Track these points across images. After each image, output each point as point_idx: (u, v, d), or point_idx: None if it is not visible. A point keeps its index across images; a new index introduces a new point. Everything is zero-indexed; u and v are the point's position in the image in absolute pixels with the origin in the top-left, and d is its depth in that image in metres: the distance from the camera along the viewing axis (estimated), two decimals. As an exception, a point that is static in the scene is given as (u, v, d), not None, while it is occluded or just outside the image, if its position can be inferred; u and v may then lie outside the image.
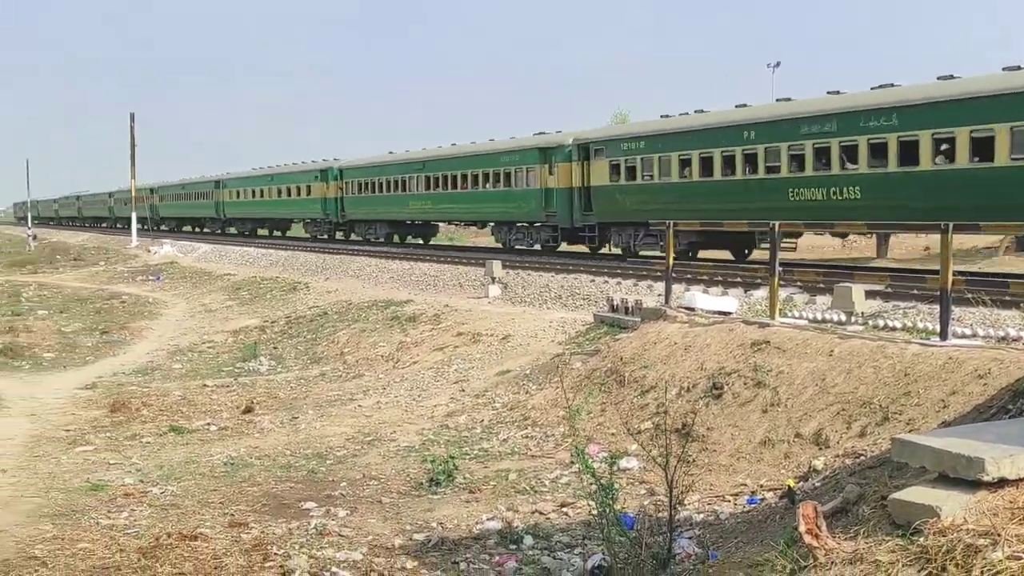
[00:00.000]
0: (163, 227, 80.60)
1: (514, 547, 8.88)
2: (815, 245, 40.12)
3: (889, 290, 16.21)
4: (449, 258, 32.99)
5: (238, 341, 24.43)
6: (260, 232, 63.46)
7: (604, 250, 33.38)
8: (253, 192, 61.12)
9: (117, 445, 13.64)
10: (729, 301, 15.82)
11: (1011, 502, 4.89)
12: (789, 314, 15.17)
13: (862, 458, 8.24)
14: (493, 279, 24.69)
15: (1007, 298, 13.66)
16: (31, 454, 13.11)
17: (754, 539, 7.63)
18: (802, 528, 5.31)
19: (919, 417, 9.24)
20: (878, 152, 22.07)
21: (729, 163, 26.21)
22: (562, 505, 9.96)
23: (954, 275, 11.23)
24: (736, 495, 9.50)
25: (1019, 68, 20.33)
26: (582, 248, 34.46)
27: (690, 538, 8.34)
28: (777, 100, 27.56)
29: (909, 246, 37.49)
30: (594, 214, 31.41)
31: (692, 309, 14.81)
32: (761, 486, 9.54)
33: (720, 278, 20.19)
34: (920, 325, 13.24)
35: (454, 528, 9.51)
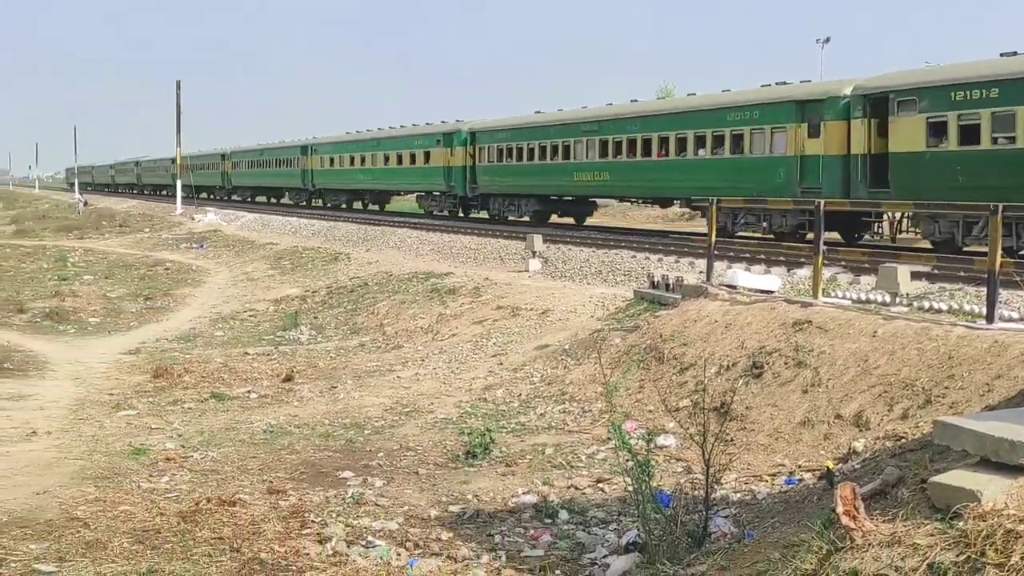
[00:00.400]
0: (235, 197, 74.96)
1: (549, 521, 8.90)
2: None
3: (935, 272, 15.98)
4: (490, 231, 32.97)
5: (279, 310, 24.62)
6: (356, 206, 56.14)
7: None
8: (352, 159, 52.95)
9: (159, 410, 13.82)
10: (771, 279, 15.68)
11: (1055, 489, 4.82)
12: (832, 294, 15.01)
13: (903, 441, 8.16)
14: (534, 253, 24.66)
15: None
16: (75, 417, 13.32)
17: (791, 520, 7.59)
18: (840, 509, 5.27)
19: (962, 401, 9.12)
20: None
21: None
22: (598, 481, 9.96)
23: (1002, 257, 11.04)
24: (774, 475, 9.44)
25: None
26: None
27: (726, 517, 8.31)
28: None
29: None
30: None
31: (734, 287, 14.70)
32: (799, 466, 9.47)
33: (763, 256, 20.01)
34: (966, 308, 13.05)
35: (489, 501, 9.54)
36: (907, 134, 22.39)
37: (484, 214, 42.80)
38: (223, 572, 7.37)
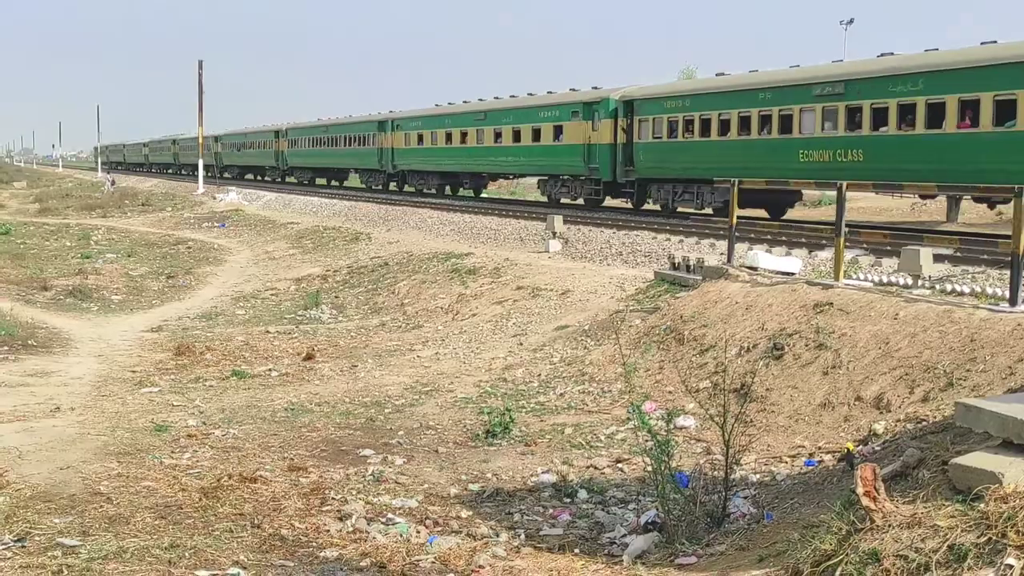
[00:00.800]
0: (290, 179, 67.93)
1: (568, 500, 8.92)
2: (883, 207, 39.43)
3: (958, 254, 15.88)
4: (510, 211, 32.94)
5: (300, 289, 24.71)
6: (442, 195, 46.96)
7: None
8: (449, 136, 44.46)
9: (181, 387, 13.92)
10: (793, 261, 15.62)
11: (1077, 471, 4.80)
12: (854, 276, 14.95)
13: (924, 423, 8.13)
14: (554, 234, 24.65)
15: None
16: (99, 394, 13.42)
17: (810, 501, 7.59)
18: (860, 490, 5.26)
19: (984, 383, 9.07)
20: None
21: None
22: (617, 461, 9.97)
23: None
24: (793, 456, 9.43)
25: None
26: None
27: (745, 498, 8.31)
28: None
29: (980, 210, 36.63)
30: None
31: (755, 269, 14.65)
32: (819, 448, 9.46)
33: (784, 238, 19.93)
34: (989, 291, 12.96)
35: (509, 480, 9.58)
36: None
37: (627, 203, 34.46)
38: (244, 548, 7.43)
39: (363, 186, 56.49)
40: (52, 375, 14.51)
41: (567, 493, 9.09)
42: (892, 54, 25.39)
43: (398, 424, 11.80)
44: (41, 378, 14.25)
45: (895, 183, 20.14)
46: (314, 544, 7.63)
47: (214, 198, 54.86)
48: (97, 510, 8.16)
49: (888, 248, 16.72)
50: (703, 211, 29.54)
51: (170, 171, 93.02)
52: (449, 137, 44.70)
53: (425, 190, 48.64)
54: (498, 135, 40.30)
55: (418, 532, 7.97)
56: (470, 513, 8.54)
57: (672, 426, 9.49)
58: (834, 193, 13.72)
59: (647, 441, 7.88)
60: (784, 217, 29.28)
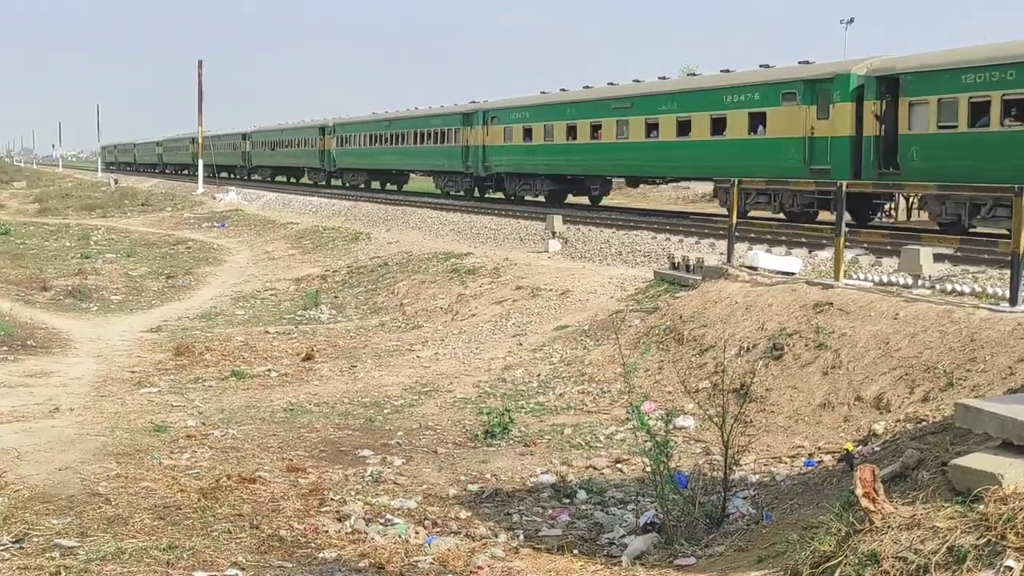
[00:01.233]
0: (336, 181, 60.69)
1: (567, 501, 8.91)
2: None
3: (958, 254, 15.87)
4: (509, 211, 32.95)
5: (300, 289, 24.71)
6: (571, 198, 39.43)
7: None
8: (570, 130, 35.78)
9: (180, 388, 13.91)
10: (793, 261, 15.62)
11: (1077, 473, 4.79)
12: (854, 276, 14.94)
13: (923, 423, 8.12)
14: (554, 233, 24.64)
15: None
16: (98, 394, 13.41)
17: (810, 501, 7.58)
18: (859, 491, 5.25)
19: (984, 384, 9.06)
20: None
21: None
22: (616, 461, 9.96)
23: None
24: (793, 457, 9.42)
25: None
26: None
27: (744, 498, 8.30)
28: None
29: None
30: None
31: (755, 268, 14.64)
32: (819, 448, 9.45)
33: (784, 238, 19.92)
34: (989, 290, 12.95)
35: (508, 480, 9.56)
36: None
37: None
38: (243, 548, 7.42)
39: (438, 191, 48.00)
40: (51, 375, 14.50)
41: (566, 494, 9.08)
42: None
43: (397, 424, 11.79)
44: (40, 378, 14.24)
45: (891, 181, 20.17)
46: (313, 545, 7.62)
47: (214, 198, 54.86)
48: (95, 511, 8.15)
49: (888, 248, 16.71)
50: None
51: (185, 172, 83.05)
52: (572, 131, 35.62)
53: (529, 196, 40.17)
54: (652, 127, 31.71)
55: (417, 533, 7.96)
56: (469, 514, 8.53)
57: (671, 426, 9.48)
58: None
59: (646, 441, 7.88)
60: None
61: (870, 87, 24.01)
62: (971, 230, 21.22)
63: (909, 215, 28.02)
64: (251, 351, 16.72)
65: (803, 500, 7.73)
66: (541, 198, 39.51)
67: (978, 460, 5.14)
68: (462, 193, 45.31)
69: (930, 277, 14.11)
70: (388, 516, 8.37)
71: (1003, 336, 9.61)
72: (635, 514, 8.34)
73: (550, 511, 8.62)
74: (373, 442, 10.95)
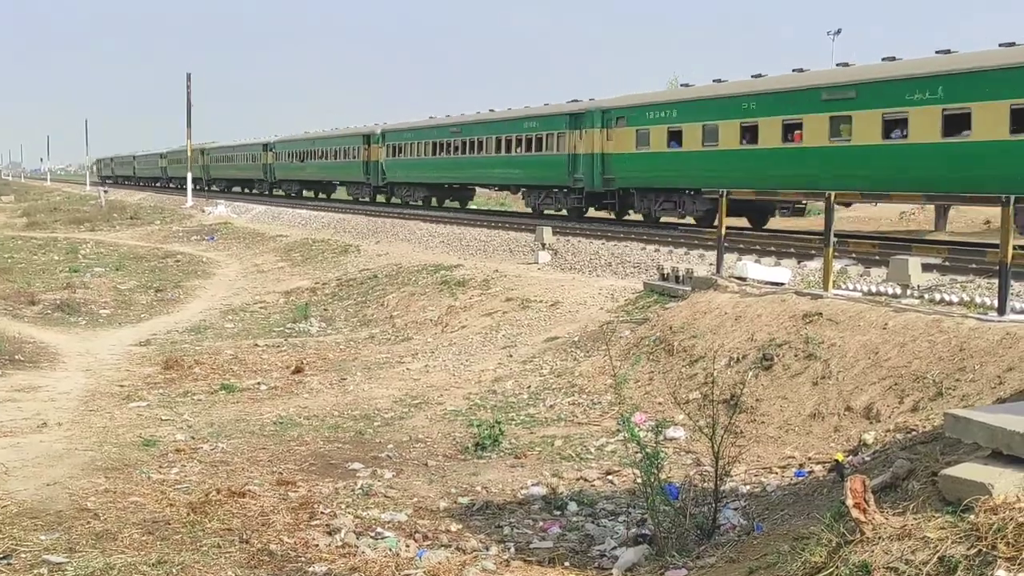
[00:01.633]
0: (380, 197, 53.96)
1: (558, 513, 8.89)
2: (872, 216, 39.55)
3: (947, 263, 15.90)
4: (499, 223, 32.96)
5: (289, 302, 24.66)
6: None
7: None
8: (726, 132, 27.89)
9: (169, 402, 13.85)
10: (782, 271, 15.63)
11: (1067, 482, 4.79)
12: (843, 286, 14.95)
13: (914, 433, 8.13)
14: (543, 245, 24.65)
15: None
16: (86, 408, 13.35)
17: (801, 512, 7.57)
18: (850, 502, 5.25)
19: (974, 393, 9.08)
20: None
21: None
22: (607, 473, 9.95)
23: (1015, 249, 10.97)
24: (783, 467, 9.42)
25: None
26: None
27: (735, 509, 8.29)
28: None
29: (969, 219, 36.80)
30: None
31: (744, 279, 14.66)
32: (809, 459, 9.45)
33: (773, 248, 19.96)
34: (978, 300, 12.98)
35: (499, 492, 9.54)
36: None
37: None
38: (232, 563, 7.38)
39: (529, 210, 41.09)
40: (39, 390, 14.43)
41: (557, 506, 9.06)
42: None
43: (387, 437, 11.76)
44: (28, 393, 14.18)
45: (884, 192, 20.11)
46: (303, 559, 7.59)
47: (203, 211, 54.77)
48: (84, 526, 8.11)
49: (877, 258, 16.75)
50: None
51: (197, 187, 70.24)
52: (750, 132, 27.25)
53: (671, 218, 31.82)
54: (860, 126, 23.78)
55: (407, 546, 7.94)
56: (459, 526, 8.50)
57: (662, 437, 9.42)
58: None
59: (637, 453, 7.86)
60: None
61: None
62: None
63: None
64: (240, 364, 16.67)
65: (794, 511, 7.72)
66: (690, 220, 30.73)
67: (968, 470, 5.13)
68: (564, 212, 37.08)
69: (919, 287, 14.14)
70: (379, 529, 8.34)
71: (992, 346, 9.63)
72: (626, 526, 8.32)
73: (541, 523, 8.60)
74: (363, 455, 10.91)
